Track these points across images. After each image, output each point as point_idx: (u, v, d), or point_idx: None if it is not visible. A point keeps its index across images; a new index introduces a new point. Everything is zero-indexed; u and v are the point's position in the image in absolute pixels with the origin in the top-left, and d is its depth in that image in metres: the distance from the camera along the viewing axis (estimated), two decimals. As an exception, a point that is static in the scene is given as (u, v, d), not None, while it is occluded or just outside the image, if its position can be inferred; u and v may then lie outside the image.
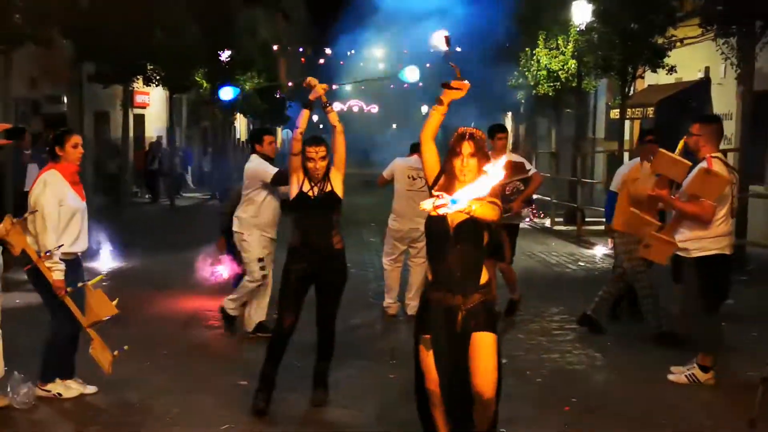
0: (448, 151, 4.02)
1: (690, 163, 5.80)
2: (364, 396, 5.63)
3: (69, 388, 5.44)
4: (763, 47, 10.47)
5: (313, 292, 5.33)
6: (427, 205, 3.51)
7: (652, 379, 5.95)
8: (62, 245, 5.19)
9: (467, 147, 3.95)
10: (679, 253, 5.88)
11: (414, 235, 7.88)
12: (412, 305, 8.05)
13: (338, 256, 5.30)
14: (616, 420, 5.19)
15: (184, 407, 5.32)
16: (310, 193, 5.19)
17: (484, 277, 3.97)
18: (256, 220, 6.81)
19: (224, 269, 8.43)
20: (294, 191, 5.22)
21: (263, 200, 6.80)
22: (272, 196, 6.83)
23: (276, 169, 6.68)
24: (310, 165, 5.18)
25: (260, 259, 6.90)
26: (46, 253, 5.13)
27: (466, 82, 4.07)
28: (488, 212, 3.78)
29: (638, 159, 7.43)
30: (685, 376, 5.83)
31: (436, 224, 3.96)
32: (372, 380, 6.00)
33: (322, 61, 47.12)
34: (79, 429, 5.03)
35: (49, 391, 5.38)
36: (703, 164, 5.73)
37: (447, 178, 4.03)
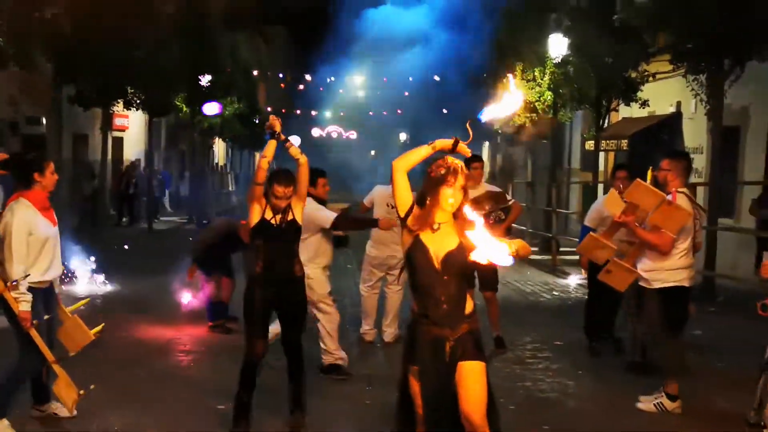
0: (432, 180, 3.92)
1: (664, 195, 6.00)
2: (339, 420, 5.71)
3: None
4: (731, 84, 10.79)
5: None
6: (480, 259, 3.61)
7: (621, 407, 6.09)
8: (28, 275, 5.07)
9: (461, 179, 3.92)
10: (640, 282, 6.06)
11: (391, 262, 7.99)
12: (389, 332, 8.16)
13: (299, 283, 5.42)
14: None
15: (161, 430, 5.36)
16: (273, 221, 5.27)
17: (469, 306, 3.98)
18: (317, 260, 6.69)
19: (194, 297, 8.51)
20: (255, 219, 5.28)
21: (320, 241, 6.72)
22: (328, 236, 6.81)
23: (334, 215, 6.64)
24: (276, 202, 5.27)
25: (330, 293, 6.84)
26: (12, 282, 5.01)
27: (469, 150, 4.07)
28: (526, 249, 3.84)
29: (612, 190, 7.63)
30: (654, 404, 5.98)
31: (420, 255, 3.92)
32: (348, 405, 6.08)
33: (301, 87, 47.36)
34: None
35: None
36: (668, 197, 5.94)
37: (426, 208, 3.95)
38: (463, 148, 4.02)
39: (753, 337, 5.97)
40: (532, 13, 18.86)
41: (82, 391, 5.23)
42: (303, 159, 5.40)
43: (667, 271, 5.96)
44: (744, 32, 9.99)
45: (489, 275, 7.66)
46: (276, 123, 5.33)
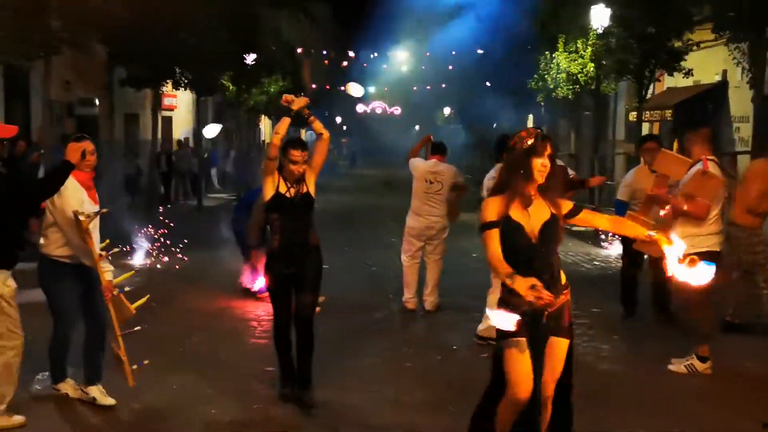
0: (521, 152, 3.86)
1: (690, 161, 6.15)
2: (383, 381, 6.05)
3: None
4: (774, 54, 10.77)
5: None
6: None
7: (653, 369, 6.30)
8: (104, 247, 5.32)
9: (549, 148, 3.88)
10: None
11: (429, 233, 8.25)
12: (430, 300, 8.42)
13: (315, 252, 5.43)
14: (616, 405, 5.55)
15: (216, 389, 5.77)
16: (288, 195, 5.28)
17: (563, 277, 3.98)
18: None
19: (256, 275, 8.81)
20: (270, 193, 5.28)
21: None
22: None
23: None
24: (293, 167, 5.26)
25: None
26: (104, 252, 5.19)
27: (549, 146, 3.96)
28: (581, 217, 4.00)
29: (641, 164, 7.75)
30: (684, 366, 6.18)
31: (514, 232, 3.86)
32: (391, 367, 6.42)
33: (345, 63, 47.58)
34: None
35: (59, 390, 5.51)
36: (699, 166, 6.09)
37: (520, 181, 3.88)
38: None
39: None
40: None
41: (135, 366, 5.27)
42: (327, 134, 5.45)
43: (700, 236, 6.10)
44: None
45: None
46: (295, 101, 5.34)
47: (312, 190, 5.39)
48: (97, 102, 18.32)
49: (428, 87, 48.89)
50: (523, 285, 3.65)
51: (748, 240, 7.16)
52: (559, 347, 3.91)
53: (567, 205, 3.99)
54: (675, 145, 6.75)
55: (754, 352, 6.78)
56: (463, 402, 4.92)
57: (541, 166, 3.85)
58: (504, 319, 3.81)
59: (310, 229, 5.41)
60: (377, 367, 6.43)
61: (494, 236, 3.85)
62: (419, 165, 8.38)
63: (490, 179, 6.84)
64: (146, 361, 5.38)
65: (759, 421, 5.18)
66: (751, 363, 6.50)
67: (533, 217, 3.87)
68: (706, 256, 6.11)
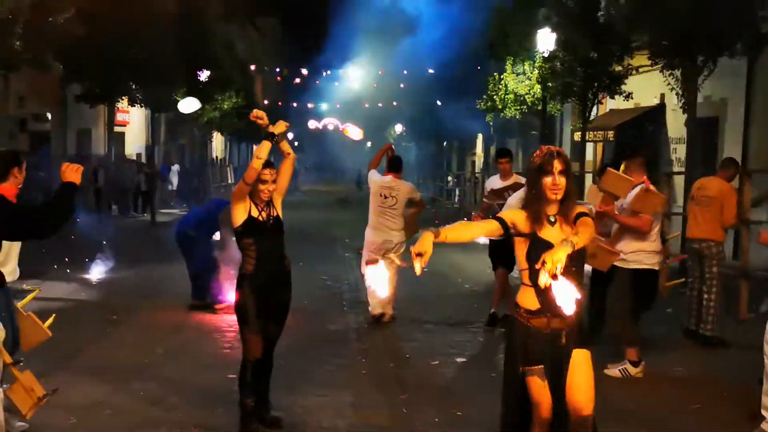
0: (532, 173, 3.89)
1: (633, 180, 6.68)
2: (341, 387, 6.38)
3: None
4: (704, 79, 11.46)
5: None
6: (543, 281, 3.57)
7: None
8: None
9: (558, 164, 3.82)
10: (616, 263, 6.72)
11: (388, 247, 8.44)
12: (386, 312, 8.61)
13: (288, 278, 5.38)
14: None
15: (182, 396, 6.04)
16: (260, 218, 5.19)
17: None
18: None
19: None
20: (242, 218, 5.16)
21: None
22: None
23: None
24: (263, 187, 5.17)
25: None
26: None
27: (559, 164, 3.85)
28: (586, 235, 3.76)
29: (591, 185, 8.30)
30: (619, 370, 6.67)
31: (542, 252, 3.69)
32: (348, 374, 6.77)
33: (298, 80, 47.90)
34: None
35: None
36: (643, 185, 6.66)
37: (535, 201, 3.88)
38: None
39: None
40: (522, 9, 19.46)
41: (44, 397, 4.86)
42: (293, 155, 5.40)
43: (645, 253, 6.65)
44: (714, 31, 10.65)
45: (509, 254, 8.04)
46: (278, 125, 5.15)
47: (280, 213, 5.34)
48: (49, 116, 18.34)
49: (380, 104, 49.49)
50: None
51: (721, 254, 7.94)
52: (580, 358, 3.87)
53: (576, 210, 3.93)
54: (622, 167, 7.29)
55: (685, 354, 7.36)
56: (416, 403, 5.29)
57: (551, 184, 3.82)
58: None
59: (284, 253, 5.34)
60: (334, 374, 6.76)
61: (490, 223, 3.94)
62: (375, 180, 8.65)
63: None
64: (55, 389, 5.07)
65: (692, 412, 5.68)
66: (680, 367, 7.05)
67: (557, 237, 3.78)
68: (646, 273, 6.68)
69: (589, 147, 20.65)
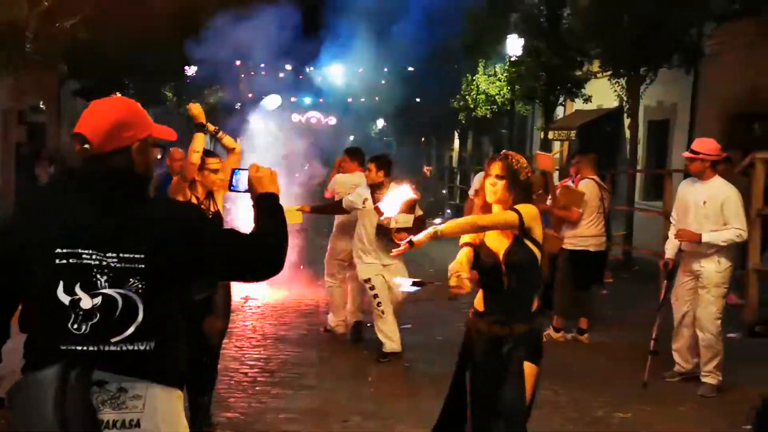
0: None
1: (583, 192, 7.98)
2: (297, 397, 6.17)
3: None
4: (646, 87, 12.83)
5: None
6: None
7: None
8: None
9: (495, 168, 3.92)
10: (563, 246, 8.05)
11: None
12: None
13: None
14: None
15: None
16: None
17: (534, 305, 3.94)
18: None
19: None
20: None
21: None
22: None
23: None
24: (214, 177, 5.05)
25: None
26: None
27: (496, 167, 3.97)
28: (455, 223, 3.86)
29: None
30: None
31: (484, 255, 3.89)
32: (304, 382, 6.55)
33: (282, 75, 48.87)
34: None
35: None
36: (570, 182, 8.05)
37: (482, 207, 4.02)
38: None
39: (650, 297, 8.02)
40: (494, 15, 20.71)
41: None
42: (239, 148, 5.29)
43: (577, 237, 8.02)
44: (655, 46, 11.98)
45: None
46: (196, 110, 5.10)
47: (221, 208, 5.18)
48: (41, 105, 19.32)
49: (362, 99, 50.54)
50: (453, 268, 3.75)
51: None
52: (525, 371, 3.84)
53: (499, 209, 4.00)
54: (574, 161, 8.87)
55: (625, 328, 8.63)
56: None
57: (489, 185, 3.95)
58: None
59: None
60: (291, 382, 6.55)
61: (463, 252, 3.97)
62: (341, 180, 7.96)
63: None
64: None
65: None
66: (622, 337, 8.35)
67: (498, 241, 3.89)
68: (581, 254, 7.95)
69: (556, 145, 21.97)
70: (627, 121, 18.29)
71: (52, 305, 2.26)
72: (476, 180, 9.58)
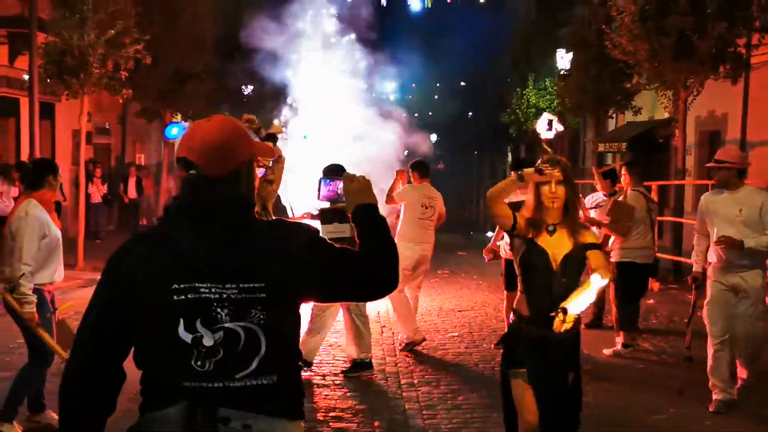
0: (535, 180, 3.93)
1: (633, 206, 7.95)
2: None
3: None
4: (693, 99, 12.91)
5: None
6: (556, 327, 3.62)
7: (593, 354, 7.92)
8: (27, 275, 4.97)
9: (557, 173, 3.84)
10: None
11: (423, 262, 7.98)
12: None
13: None
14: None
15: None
16: None
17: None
18: None
19: None
20: None
21: None
22: None
23: None
24: (270, 189, 5.39)
25: None
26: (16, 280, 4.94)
27: (557, 173, 3.90)
28: (605, 271, 3.80)
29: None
30: (612, 350, 7.98)
31: (537, 259, 3.85)
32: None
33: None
34: None
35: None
36: (619, 195, 8.08)
37: (534, 208, 3.92)
38: (547, 174, 3.88)
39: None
40: (542, 31, 20.92)
41: None
42: (284, 158, 5.55)
43: (622, 249, 7.98)
44: (699, 57, 12.09)
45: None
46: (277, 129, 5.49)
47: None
48: (107, 126, 20.27)
49: (416, 114, 50.90)
50: None
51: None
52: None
53: (589, 237, 3.98)
54: (623, 170, 8.68)
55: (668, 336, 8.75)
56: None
57: (549, 192, 3.85)
58: None
59: None
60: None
61: (507, 209, 3.98)
62: (410, 191, 8.06)
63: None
64: None
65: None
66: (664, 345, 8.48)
67: (556, 247, 3.85)
68: (627, 266, 7.83)
69: (609, 157, 22.00)
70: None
71: (173, 344, 2.13)
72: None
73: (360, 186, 2.45)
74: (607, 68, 16.60)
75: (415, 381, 7.11)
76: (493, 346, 8.06)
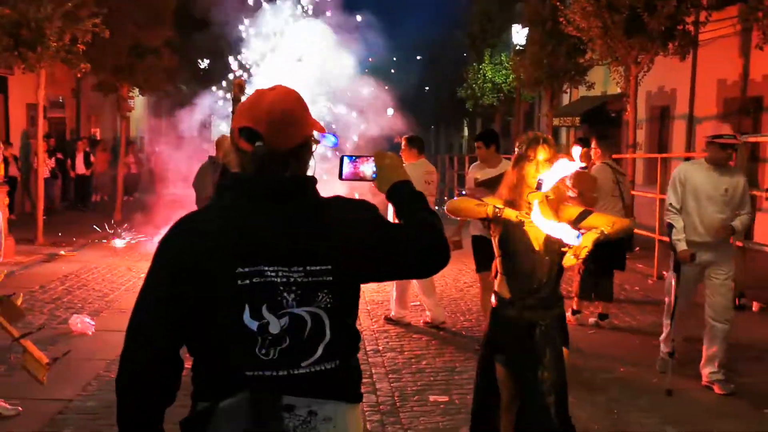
0: (515, 159, 3.83)
1: (595, 177, 8.08)
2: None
3: None
4: (643, 75, 13.29)
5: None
6: (570, 261, 3.61)
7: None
8: None
9: (543, 152, 3.73)
10: None
11: None
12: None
13: None
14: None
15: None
16: None
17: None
18: None
19: None
20: None
21: None
22: None
23: None
24: None
25: None
26: None
27: (543, 150, 3.78)
28: (614, 225, 3.82)
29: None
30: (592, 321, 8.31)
31: (518, 240, 3.74)
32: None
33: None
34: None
35: None
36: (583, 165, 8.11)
37: (512, 189, 3.81)
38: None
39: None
40: (500, 6, 21.20)
41: (53, 361, 5.02)
42: None
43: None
44: (649, 36, 12.48)
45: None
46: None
47: None
48: (61, 99, 19.99)
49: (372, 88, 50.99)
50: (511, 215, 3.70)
51: None
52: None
53: (572, 212, 3.90)
54: (593, 144, 8.69)
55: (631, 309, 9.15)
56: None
57: (534, 172, 3.72)
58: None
59: None
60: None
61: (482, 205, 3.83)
62: (412, 170, 7.43)
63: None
64: (67, 352, 5.57)
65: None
66: (631, 320, 8.88)
67: (536, 225, 3.66)
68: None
69: (563, 131, 22.49)
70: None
71: (238, 332, 2.00)
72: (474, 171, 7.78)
73: (393, 163, 2.34)
74: (561, 44, 16.96)
75: (380, 348, 7.40)
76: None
